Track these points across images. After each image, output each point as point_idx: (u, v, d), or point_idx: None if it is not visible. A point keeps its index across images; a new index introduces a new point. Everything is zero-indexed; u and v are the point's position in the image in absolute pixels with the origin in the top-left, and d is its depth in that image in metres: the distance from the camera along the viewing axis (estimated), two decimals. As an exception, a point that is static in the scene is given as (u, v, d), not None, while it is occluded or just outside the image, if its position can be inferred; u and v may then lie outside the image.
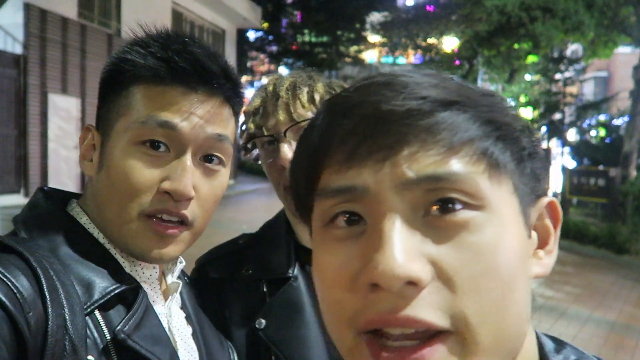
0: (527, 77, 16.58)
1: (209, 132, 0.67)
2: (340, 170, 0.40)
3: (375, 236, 0.37)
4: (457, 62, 19.71)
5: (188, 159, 0.65)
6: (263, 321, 0.91)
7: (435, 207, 0.37)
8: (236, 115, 0.74)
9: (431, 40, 20.25)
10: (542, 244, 0.44)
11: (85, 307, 0.59)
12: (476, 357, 0.36)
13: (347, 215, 0.40)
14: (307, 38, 24.26)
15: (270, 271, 0.96)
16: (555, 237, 0.44)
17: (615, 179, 10.45)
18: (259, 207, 11.16)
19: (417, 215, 0.37)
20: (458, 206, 0.37)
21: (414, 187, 0.37)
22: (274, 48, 24.86)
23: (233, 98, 0.72)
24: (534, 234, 0.43)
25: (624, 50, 15.97)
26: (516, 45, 14.01)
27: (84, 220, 0.69)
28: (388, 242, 0.36)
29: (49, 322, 0.53)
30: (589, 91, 21.76)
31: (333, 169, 0.40)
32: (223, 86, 0.69)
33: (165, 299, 0.74)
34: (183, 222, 0.66)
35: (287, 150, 0.90)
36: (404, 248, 0.35)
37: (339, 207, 0.40)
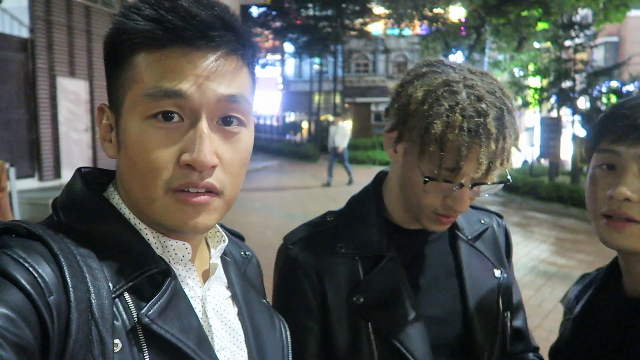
0: (536, 45, 16.26)
1: (219, 93, 0.62)
2: (612, 143, 0.83)
3: None
4: (464, 33, 19.37)
5: (204, 126, 0.61)
6: (361, 298, 0.94)
7: None
8: (249, 65, 0.68)
9: (437, 10, 19.87)
10: None
11: (114, 289, 0.58)
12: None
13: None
14: (311, 12, 23.90)
15: (364, 248, 0.97)
16: None
17: (627, 146, 10.31)
18: (270, 184, 11.21)
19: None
20: None
21: None
22: (278, 23, 24.55)
23: (239, 48, 0.65)
24: None
25: (636, 13, 15.58)
26: (525, 13, 13.71)
27: (115, 201, 0.68)
28: None
29: (71, 308, 0.52)
30: (599, 57, 21.31)
31: (608, 140, 0.85)
32: (224, 37, 0.63)
33: (205, 279, 0.73)
34: (211, 191, 0.63)
35: (468, 202, 0.87)
36: None
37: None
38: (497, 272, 1.04)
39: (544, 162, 14.18)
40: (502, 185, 0.89)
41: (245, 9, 19.32)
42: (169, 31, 0.60)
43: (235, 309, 0.76)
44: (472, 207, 1.12)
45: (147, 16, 0.60)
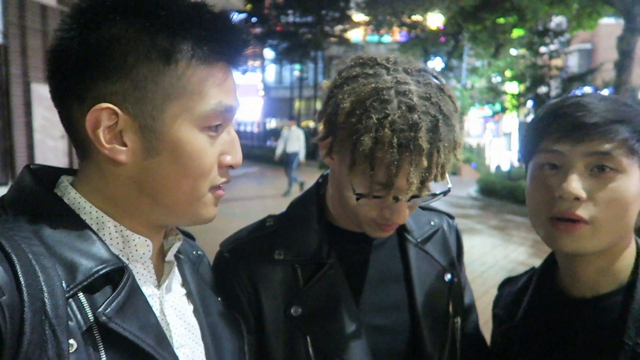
0: (513, 51, 16.58)
1: (239, 102, 0.70)
2: (555, 143, 0.81)
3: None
4: (443, 39, 19.65)
5: (233, 130, 0.70)
6: (299, 309, 0.88)
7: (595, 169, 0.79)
8: None
9: (416, 18, 20.11)
10: None
11: (68, 289, 0.57)
12: None
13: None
14: (291, 19, 23.96)
15: (304, 255, 0.91)
16: None
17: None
18: (250, 190, 11.16)
19: (587, 171, 0.79)
20: (607, 169, 0.78)
21: (593, 155, 0.78)
22: (258, 30, 24.55)
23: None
24: None
25: (607, 21, 16.01)
26: (501, 20, 13.98)
27: (71, 196, 0.65)
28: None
29: (25, 308, 0.51)
30: (573, 63, 21.78)
31: (550, 139, 0.82)
32: (245, 57, 0.70)
33: (161, 277, 0.72)
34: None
35: (407, 213, 0.84)
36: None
37: (545, 160, 0.83)
38: (448, 276, 0.99)
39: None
40: (442, 195, 0.85)
41: (224, 15, 19.23)
42: (223, 48, 0.66)
43: (191, 307, 0.76)
44: (422, 207, 1.05)
45: (211, 34, 0.65)
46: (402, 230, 0.99)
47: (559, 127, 0.81)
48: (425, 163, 0.76)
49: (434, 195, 0.83)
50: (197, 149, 0.64)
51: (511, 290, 1.03)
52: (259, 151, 24.87)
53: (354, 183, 0.82)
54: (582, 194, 0.77)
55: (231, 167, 0.70)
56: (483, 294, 5.15)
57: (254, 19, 24.10)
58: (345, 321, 0.88)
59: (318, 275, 0.90)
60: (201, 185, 0.67)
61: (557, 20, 14.94)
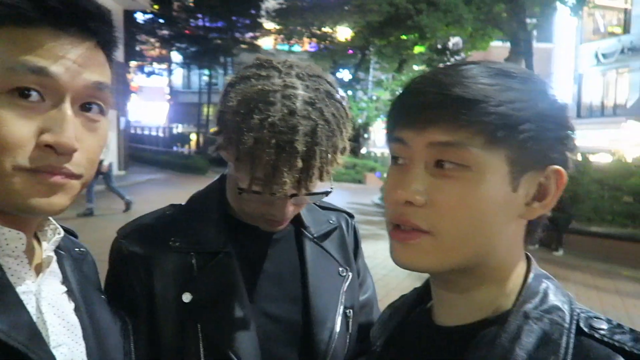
0: (415, 67, 17.60)
1: (87, 78, 0.61)
2: (401, 129, 0.63)
3: None
4: (351, 52, 20.36)
5: (68, 108, 0.59)
6: (190, 295, 0.88)
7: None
8: (110, 60, 0.68)
9: (326, 29, 20.65)
10: (540, 198, 0.62)
11: None
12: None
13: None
14: (200, 22, 23.50)
15: (199, 244, 0.93)
16: (555, 195, 0.62)
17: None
18: (155, 197, 10.72)
19: (430, 166, 0.61)
20: (447, 165, 0.60)
21: (434, 146, 0.60)
22: (165, 32, 23.76)
23: (108, 42, 0.66)
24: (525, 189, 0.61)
25: (498, 44, 17.54)
26: (404, 36, 14.82)
27: None
28: None
29: None
30: (469, 81, 23.48)
31: (398, 125, 0.64)
32: (98, 28, 0.63)
33: (38, 273, 0.69)
34: (68, 176, 0.61)
35: (291, 211, 0.88)
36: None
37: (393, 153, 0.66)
38: (343, 271, 1.05)
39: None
40: (323, 195, 0.89)
41: (129, 14, 18.38)
42: (44, 11, 0.58)
43: (72, 305, 0.73)
44: (321, 206, 1.10)
45: None
46: (300, 226, 1.03)
47: (408, 109, 0.63)
48: (299, 164, 0.80)
49: (315, 194, 0.88)
50: None
51: (385, 314, 0.87)
52: (165, 157, 23.97)
53: (238, 178, 0.86)
54: (417, 198, 0.60)
55: (53, 150, 0.58)
56: (384, 296, 5.32)
57: (161, 20, 23.29)
58: (235, 310, 0.90)
59: (212, 263, 0.92)
60: (1, 160, 0.57)
61: (455, 41, 16.09)
